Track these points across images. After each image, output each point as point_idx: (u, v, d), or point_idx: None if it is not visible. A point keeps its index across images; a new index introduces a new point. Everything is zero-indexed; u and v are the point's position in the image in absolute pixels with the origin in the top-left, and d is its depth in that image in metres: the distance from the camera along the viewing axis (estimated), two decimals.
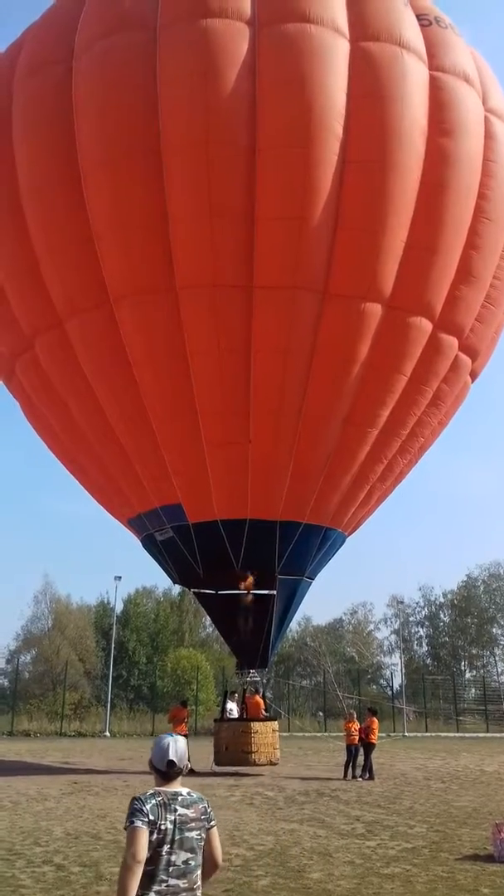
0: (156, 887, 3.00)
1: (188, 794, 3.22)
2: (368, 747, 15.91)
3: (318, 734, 33.53)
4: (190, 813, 3.15)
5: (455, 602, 60.66)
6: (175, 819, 3.10)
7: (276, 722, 17.71)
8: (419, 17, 14.65)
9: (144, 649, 51.17)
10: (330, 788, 13.95)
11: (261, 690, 17.74)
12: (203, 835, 3.18)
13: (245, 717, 17.19)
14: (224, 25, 13.45)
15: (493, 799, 12.78)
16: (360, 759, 15.91)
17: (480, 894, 6.67)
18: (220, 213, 13.46)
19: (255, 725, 16.38)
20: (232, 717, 17.60)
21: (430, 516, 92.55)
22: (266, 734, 16.49)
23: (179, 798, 3.18)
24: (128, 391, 15.08)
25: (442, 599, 61.61)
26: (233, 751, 16.38)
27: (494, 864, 7.84)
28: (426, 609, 61.80)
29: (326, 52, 13.53)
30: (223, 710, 18.12)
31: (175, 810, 3.12)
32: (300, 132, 13.25)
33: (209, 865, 3.21)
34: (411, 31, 14.31)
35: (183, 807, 3.15)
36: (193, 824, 3.14)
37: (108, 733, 34.03)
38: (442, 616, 62.11)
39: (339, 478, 15.99)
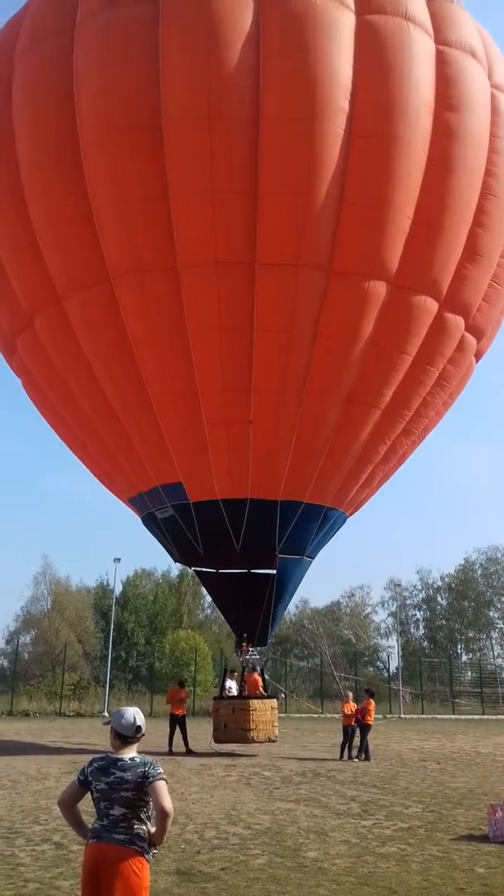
0: (95, 826, 3.61)
1: (130, 759, 3.67)
2: (365, 728, 15.96)
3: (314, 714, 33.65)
4: (127, 776, 3.60)
5: (452, 586, 60.84)
6: (111, 781, 3.60)
7: (274, 700, 17.75)
8: None
9: (143, 631, 51.41)
10: (326, 769, 13.99)
11: (258, 668, 17.74)
12: (139, 794, 3.59)
13: (243, 694, 17.23)
14: None
15: (488, 780, 12.81)
16: (357, 740, 15.97)
17: (475, 874, 6.67)
18: (222, 188, 13.18)
19: (254, 703, 16.40)
20: (231, 695, 17.64)
21: (429, 500, 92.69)
22: (265, 711, 16.52)
23: (119, 763, 3.65)
24: (127, 370, 14.92)
25: (439, 583, 61.85)
26: (231, 728, 16.40)
27: (489, 844, 7.86)
28: (424, 592, 62.03)
29: (332, 25, 13.23)
30: (222, 688, 18.16)
31: (112, 773, 3.62)
32: (305, 106, 12.96)
33: (158, 813, 3.56)
34: (417, 5, 14.01)
35: (121, 770, 3.62)
36: (129, 785, 3.58)
37: (106, 714, 34.18)
38: (439, 599, 62.34)
39: (341, 458, 15.87)
